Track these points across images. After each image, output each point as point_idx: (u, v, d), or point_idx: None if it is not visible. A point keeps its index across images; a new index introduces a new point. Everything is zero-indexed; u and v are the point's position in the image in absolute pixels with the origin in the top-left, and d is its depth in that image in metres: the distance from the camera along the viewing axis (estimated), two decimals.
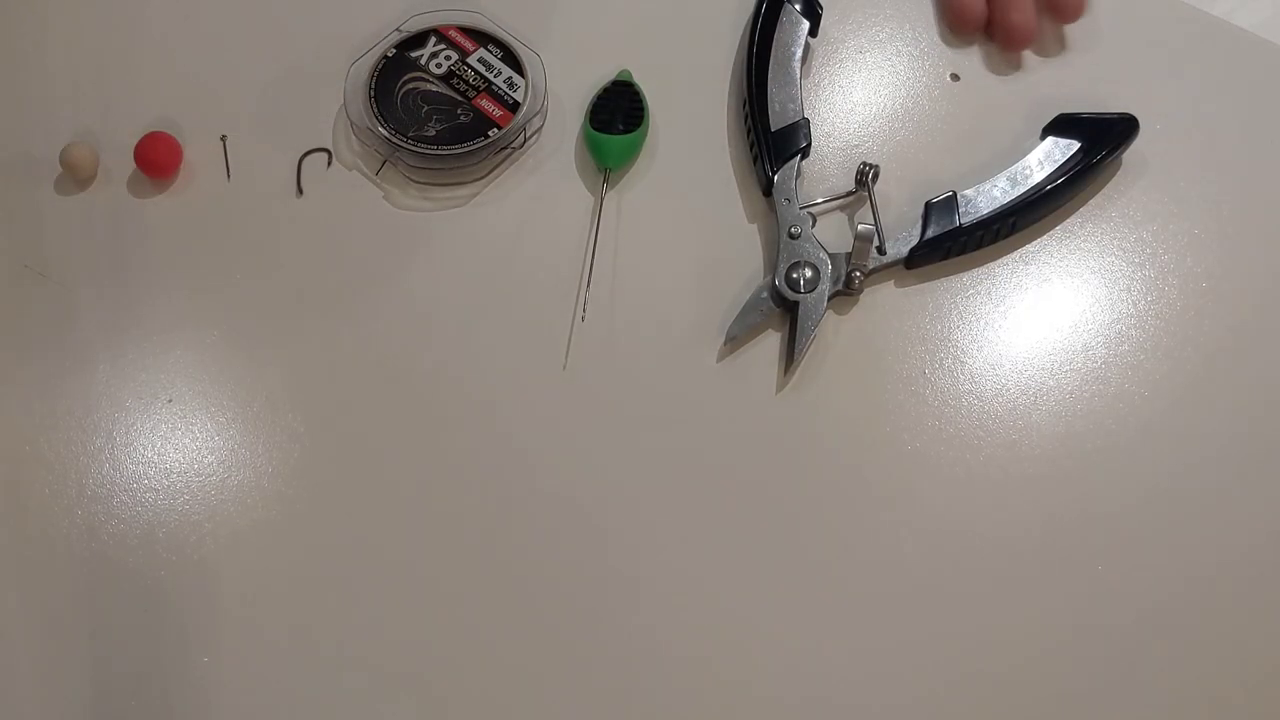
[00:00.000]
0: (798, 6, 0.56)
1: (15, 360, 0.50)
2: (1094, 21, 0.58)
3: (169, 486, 0.47)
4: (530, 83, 0.54)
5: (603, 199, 0.53)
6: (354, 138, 0.54)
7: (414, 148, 0.53)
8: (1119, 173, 0.54)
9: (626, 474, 0.48)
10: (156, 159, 0.53)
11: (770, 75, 0.55)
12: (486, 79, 0.54)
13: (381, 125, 0.53)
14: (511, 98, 0.54)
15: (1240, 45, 0.58)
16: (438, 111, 0.54)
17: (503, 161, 0.54)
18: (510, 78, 0.55)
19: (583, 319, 0.51)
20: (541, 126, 0.55)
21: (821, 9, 0.57)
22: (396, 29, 0.55)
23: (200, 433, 0.49)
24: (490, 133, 0.53)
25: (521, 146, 0.55)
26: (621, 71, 0.56)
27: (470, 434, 0.49)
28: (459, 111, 0.54)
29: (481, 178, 0.54)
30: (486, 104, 0.54)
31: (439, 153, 0.53)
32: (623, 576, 0.46)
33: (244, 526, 0.47)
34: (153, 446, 0.48)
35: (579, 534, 0.47)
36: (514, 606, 0.46)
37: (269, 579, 0.46)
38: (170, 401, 0.49)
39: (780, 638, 0.45)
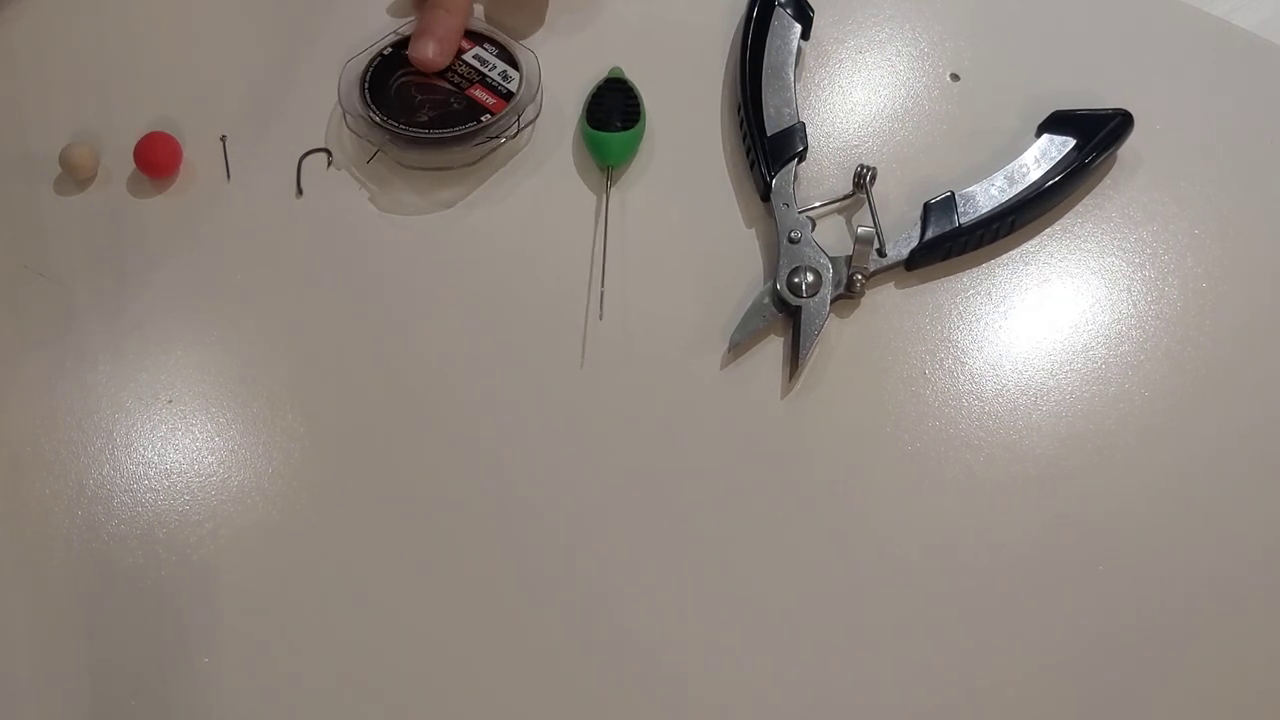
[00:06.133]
0: (789, 11, 0.56)
1: (15, 360, 0.50)
2: (1095, 23, 0.58)
3: (169, 486, 0.47)
4: (524, 74, 0.54)
5: (608, 195, 0.53)
6: (347, 128, 0.54)
7: (405, 132, 0.52)
8: (1115, 168, 0.54)
9: (635, 479, 0.48)
10: (156, 159, 0.53)
11: (764, 80, 0.54)
12: (481, 72, 0.54)
13: (374, 113, 0.53)
14: (505, 88, 0.54)
15: (1240, 45, 0.58)
16: (431, 101, 0.53)
17: (494, 150, 0.54)
18: (505, 71, 0.55)
19: (600, 317, 0.50)
20: (536, 118, 0.55)
21: (813, 12, 0.56)
22: (394, 31, 0.56)
23: (200, 433, 0.49)
24: (483, 118, 0.53)
25: (515, 137, 0.54)
26: (613, 69, 0.56)
27: (471, 434, 0.49)
28: (452, 100, 0.53)
29: (473, 163, 0.54)
30: (480, 93, 0.54)
31: (429, 137, 0.52)
32: (631, 579, 0.46)
33: (244, 526, 0.47)
34: (153, 446, 0.48)
35: (583, 537, 0.47)
36: (517, 606, 0.46)
37: (269, 579, 0.46)
38: (170, 402, 0.49)
39: (786, 639, 0.45)
